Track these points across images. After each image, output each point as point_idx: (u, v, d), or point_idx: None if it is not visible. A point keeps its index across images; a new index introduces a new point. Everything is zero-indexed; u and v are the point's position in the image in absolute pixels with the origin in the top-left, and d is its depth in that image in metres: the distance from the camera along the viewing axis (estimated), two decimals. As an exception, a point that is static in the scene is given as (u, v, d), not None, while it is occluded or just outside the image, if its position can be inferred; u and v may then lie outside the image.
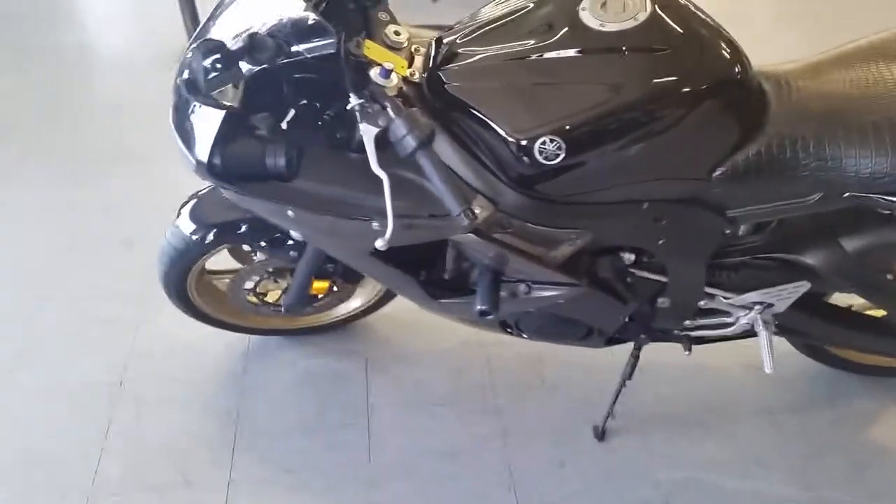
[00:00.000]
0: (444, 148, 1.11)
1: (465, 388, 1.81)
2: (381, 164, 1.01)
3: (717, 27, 1.13)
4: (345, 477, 1.63)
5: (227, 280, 1.70)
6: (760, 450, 1.65)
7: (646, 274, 1.36)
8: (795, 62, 1.22)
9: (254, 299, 1.74)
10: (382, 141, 1.00)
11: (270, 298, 1.75)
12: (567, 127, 1.06)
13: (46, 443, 1.72)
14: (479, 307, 1.26)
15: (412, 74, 1.14)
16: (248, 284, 1.69)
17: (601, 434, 1.67)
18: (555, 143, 1.06)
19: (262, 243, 1.51)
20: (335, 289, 1.71)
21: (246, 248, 1.63)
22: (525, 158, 1.08)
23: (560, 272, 1.26)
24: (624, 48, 1.06)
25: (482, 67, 1.12)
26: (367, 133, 1.01)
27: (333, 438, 1.71)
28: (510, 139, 1.08)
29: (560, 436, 1.69)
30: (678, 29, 1.09)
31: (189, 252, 1.51)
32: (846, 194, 1.14)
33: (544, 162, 1.07)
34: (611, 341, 1.54)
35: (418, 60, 1.17)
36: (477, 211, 1.11)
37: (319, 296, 1.70)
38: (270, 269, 1.66)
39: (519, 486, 1.59)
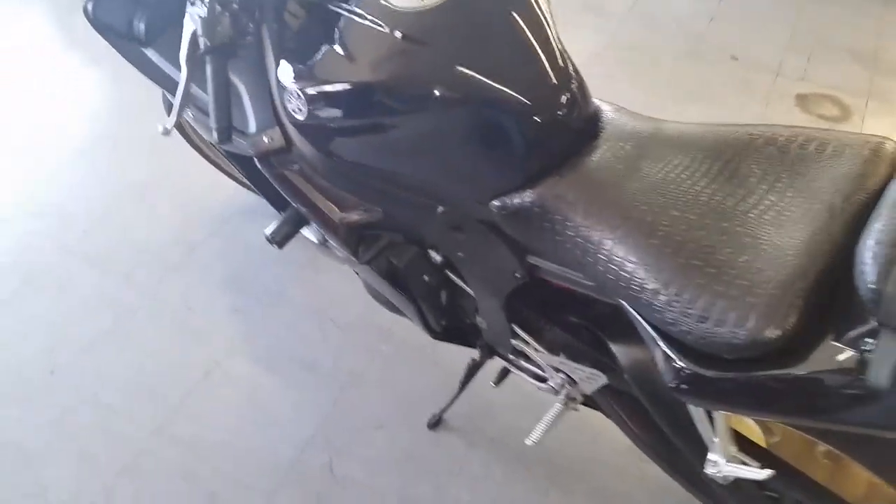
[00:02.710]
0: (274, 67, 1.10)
1: (369, 320, 1.82)
2: (193, 57, 1.06)
3: (548, 46, 0.95)
4: (205, 341, 1.80)
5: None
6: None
7: (459, 282, 1.25)
8: (693, 125, 0.98)
9: None
10: None
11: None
12: (309, 85, 1.00)
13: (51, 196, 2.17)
14: (265, 232, 1.29)
15: None
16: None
17: (434, 423, 1.61)
18: (300, 98, 1.02)
19: None
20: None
21: None
22: (286, 103, 1.05)
23: (339, 238, 1.22)
24: (392, 29, 0.94)
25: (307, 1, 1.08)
26: (187, 22, 1.05)
27: (239, 302, 1.89)
28: (279, 77, 1.04)
29: (403, 403, 1.66)
30: (463, 29, 0.94)
31: None
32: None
33: (292, 113, 1.04)
34: (445, 338, 1.44)
35: None
36: (252, 138, 1.13)
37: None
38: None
39: (329, 423, 1.62)
